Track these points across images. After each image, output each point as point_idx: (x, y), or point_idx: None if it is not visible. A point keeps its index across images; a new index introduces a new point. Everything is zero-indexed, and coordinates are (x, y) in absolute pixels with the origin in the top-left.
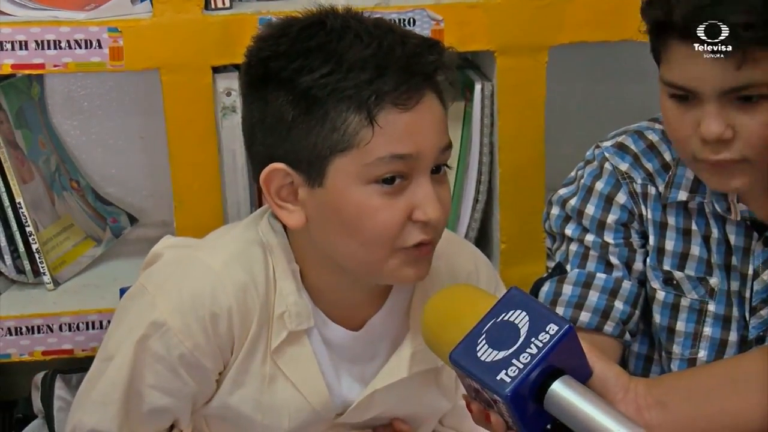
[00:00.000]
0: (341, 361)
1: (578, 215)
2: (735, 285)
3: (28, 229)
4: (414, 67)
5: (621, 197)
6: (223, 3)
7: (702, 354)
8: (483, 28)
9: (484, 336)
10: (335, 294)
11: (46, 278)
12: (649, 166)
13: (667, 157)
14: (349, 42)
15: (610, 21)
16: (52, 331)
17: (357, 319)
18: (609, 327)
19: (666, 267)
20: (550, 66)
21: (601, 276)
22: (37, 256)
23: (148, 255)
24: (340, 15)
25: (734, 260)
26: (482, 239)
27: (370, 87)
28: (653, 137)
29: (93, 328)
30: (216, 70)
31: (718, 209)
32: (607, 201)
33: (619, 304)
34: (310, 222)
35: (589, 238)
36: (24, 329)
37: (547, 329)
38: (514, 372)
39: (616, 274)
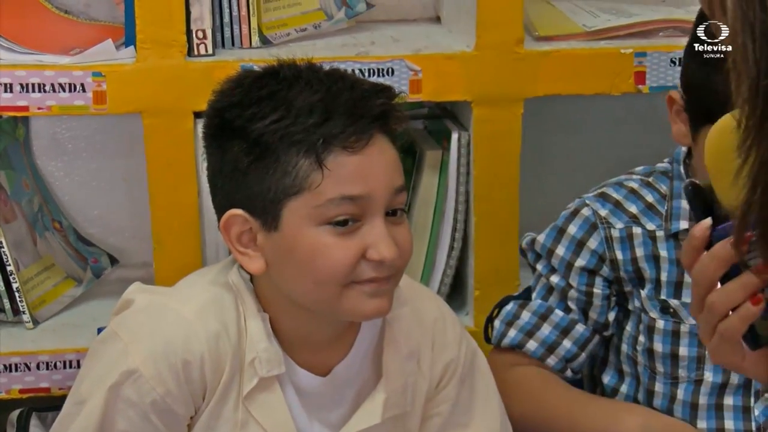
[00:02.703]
0: (311, 406)
1: (548, 254)
2: None
3: (9, 269)
4: (361, 110)
5: (593, 242)
6: (206, 50)
7: (708, 375)
8: (460, 79)
9: None
10: (301, 338)
11: (26, 317)
12: (632, 208)
13: (650, 198)
14: (299, 89)
15: (584, 75)
16: (29, 369)
17: (324, 364)
18: (552, 360)
19: (662, 296)
20: (526, 117)
21: (558, 313)
22: (17, 294)
23: (119, 301)
24: (294, 66)
25: None
26: (457, 286)
27: (318, 131)
28: (633, 185)
29: (70, 366)
30: (198, 115)
31: None
32: (578, 245)
33: (567, 343)
34: (270, 266)
35: (554, 279)
36: (1, 367)
37: None
38: None
39: (573, 316)
